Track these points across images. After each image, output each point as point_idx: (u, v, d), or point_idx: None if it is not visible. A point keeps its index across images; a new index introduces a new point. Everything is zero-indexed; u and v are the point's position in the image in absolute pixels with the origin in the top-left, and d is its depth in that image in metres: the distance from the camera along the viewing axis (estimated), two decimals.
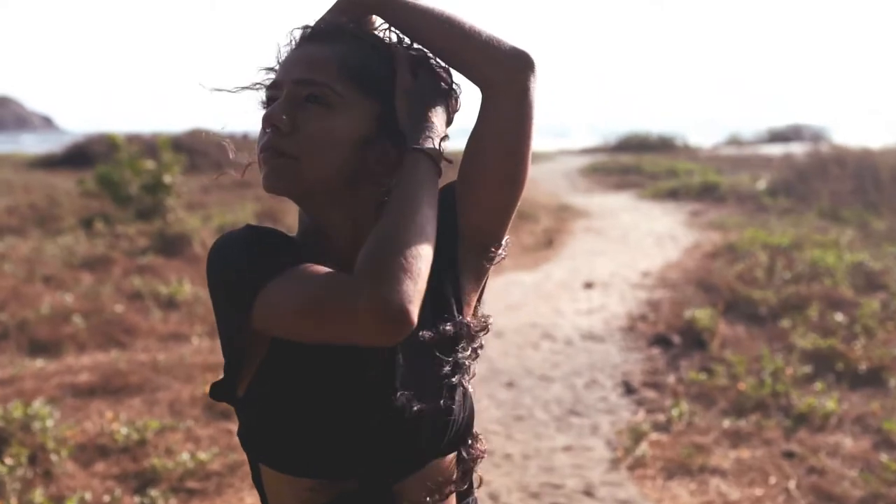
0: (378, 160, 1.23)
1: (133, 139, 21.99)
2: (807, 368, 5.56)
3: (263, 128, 1.20)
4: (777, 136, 39.86)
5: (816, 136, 38.03)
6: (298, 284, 1.09)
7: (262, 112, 1.23)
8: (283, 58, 1.27)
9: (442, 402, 1.25)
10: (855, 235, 10.53)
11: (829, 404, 4.89)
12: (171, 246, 10.09)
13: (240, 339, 1.16)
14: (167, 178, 12.28)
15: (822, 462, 4.27)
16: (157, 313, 7.28)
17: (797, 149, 23.62)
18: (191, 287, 8.06)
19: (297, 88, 1.21)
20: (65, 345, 6.43)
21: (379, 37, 1.29)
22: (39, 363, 5.98)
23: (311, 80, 1.20)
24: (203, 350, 6.18)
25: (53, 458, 4.17)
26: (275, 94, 1.23)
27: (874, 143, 18.58)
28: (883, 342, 6.02)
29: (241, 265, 1.14)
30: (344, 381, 1.20)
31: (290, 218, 12.29)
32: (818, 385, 5.28)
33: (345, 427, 1.20)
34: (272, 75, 1.28)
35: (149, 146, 15.88)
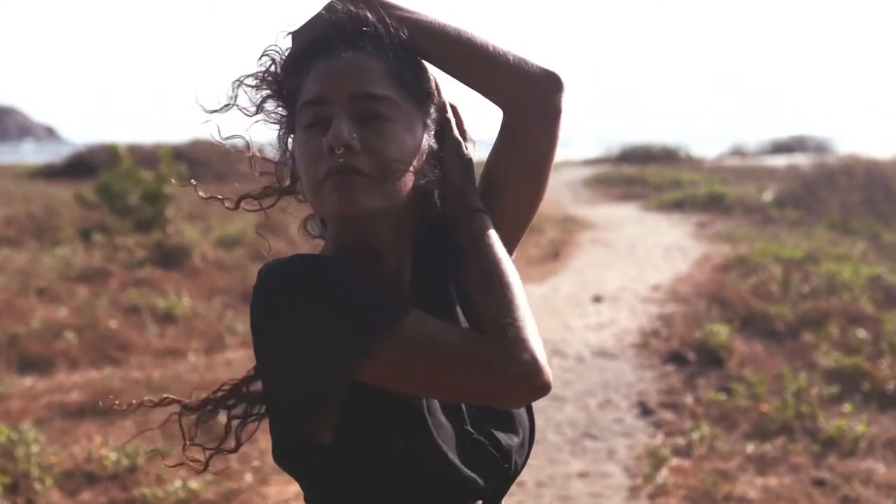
0: (434, 175, 1.20)
1: (135, 149, 21.82)
2: (832, 388, 5.30)
3: (331, 149, 1.09)
4: (780, 147, 39.69)
5: (820, 147, 37.92)
6: (435, 340, 1.06)
7: (304, 131, 1.14)
8: (301, 67, 1.16)
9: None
10: (867, 248, 10.29)
11: (859, 427, 4.64)
12: (170, 258, 9.88)
13: (336, 392, 1.07)
14: (168, 189, 12.08)
15: (855, 491, 4.02)
16: (154, 328, 7.05)
17: (802, 160, 23.44)
18: (189, 301, 7.82)
19: (356, 104, 1.12)
20: (56, 361, 6.20)
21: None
22: (29, 381, 5.74)
23: (372, 94, 1.13)
24: (200, 367, 5.94)
25: (37, 486, 3.92)
26: (324, 112, 1.12)
27: (880, 154, 18.38)
28: None
29: (347, 308, 1.05)
30: (444, 411, 1.16)
31: (291, 231, 12.02)
32: (846, 407, 5.02)
33: (458, 452, 1.14)
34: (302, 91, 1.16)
35: (151, 156, 15.69)
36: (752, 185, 18.20)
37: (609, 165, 28.60)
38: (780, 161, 26.59)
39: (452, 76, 1.22)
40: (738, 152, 38.01)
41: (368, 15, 1.15)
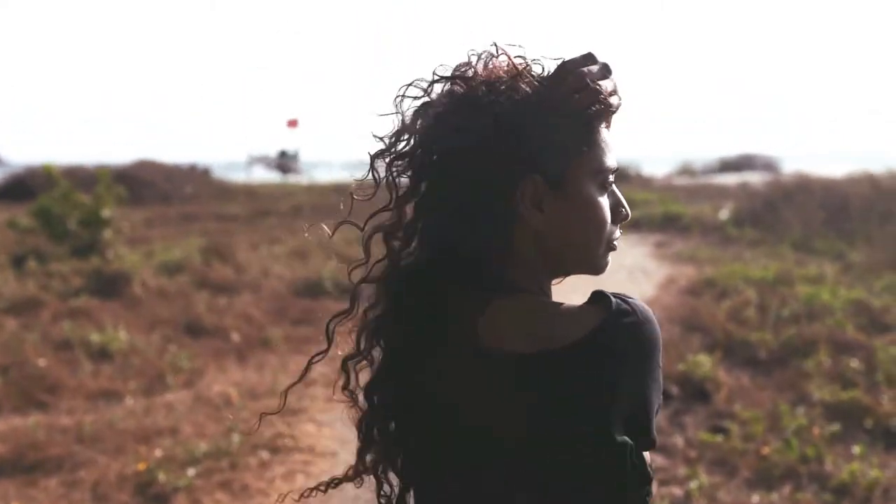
0: None
1: (76, 171, 21.00)
2: (833, 427, 4.88)
3: (625, 218, 1.23)
4: (729, 166, 40.01)
5: (768, 166, 38.30)
6: None
7: (598, 191, 1.17)
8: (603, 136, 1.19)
9: None
10: (835, 268, 10.02)
11: (872, 472, 4.22)
12: (109, 286, 9.25)
13: None
14: (105, 212, 11.40)
15: None
16: (87, 366, 6.41)
17: (752, 178, 23.43)
18: (126, 334, 7.19)
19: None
20: None
21: None
22: None
23: None
24: (137, 412, 5.34)
25: None
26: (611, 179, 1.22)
27: (829, 172, 18.36)
28: None
29: None
30: None
31: (238, 254, 11.49)
32: (856, 448, 4.59)
33: None
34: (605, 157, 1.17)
35: (92, 178, 14.99)
36: (706, 204, 18.03)
37: None
38: (731, 179, 26.65)
39: None
40: (686, 171, 38.17)
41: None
